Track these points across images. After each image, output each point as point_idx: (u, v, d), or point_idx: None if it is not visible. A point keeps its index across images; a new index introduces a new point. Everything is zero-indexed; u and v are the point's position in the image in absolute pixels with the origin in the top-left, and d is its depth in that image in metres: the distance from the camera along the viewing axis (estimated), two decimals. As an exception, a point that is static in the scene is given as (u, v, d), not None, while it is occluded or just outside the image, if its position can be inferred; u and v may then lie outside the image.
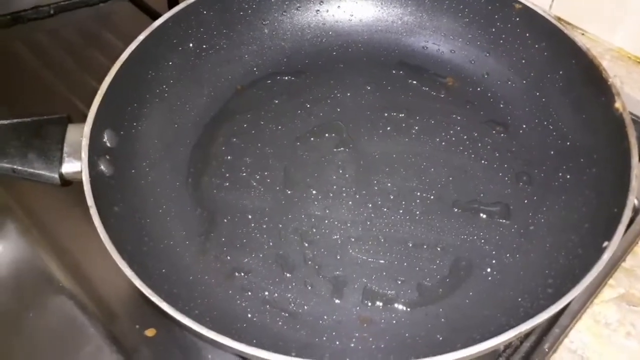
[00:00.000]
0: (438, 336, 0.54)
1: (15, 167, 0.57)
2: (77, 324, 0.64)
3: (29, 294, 0.66)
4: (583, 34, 0.97)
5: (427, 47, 0.79)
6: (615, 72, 0.92)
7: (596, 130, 0.62)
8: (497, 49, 0.75)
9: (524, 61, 0.72)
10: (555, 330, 0.62)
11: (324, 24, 0.81)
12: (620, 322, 0.65)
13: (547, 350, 0.61)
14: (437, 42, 0.79)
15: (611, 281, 0.68)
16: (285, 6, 0.80)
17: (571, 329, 0.64)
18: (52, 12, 1.00)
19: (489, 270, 0.60)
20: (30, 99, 0.86)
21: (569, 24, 0.98)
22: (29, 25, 0.99)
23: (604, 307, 0.66)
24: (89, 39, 0.97)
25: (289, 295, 0.59)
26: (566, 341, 0.64)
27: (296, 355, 0.46)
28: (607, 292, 0.68)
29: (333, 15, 0.82)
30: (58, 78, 0.90)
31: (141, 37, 0.67)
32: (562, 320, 0.63)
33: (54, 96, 0.87)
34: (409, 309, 0.58)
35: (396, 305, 0.58)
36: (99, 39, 0.98)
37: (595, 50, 0.95)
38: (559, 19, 0.98)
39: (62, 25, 0.99)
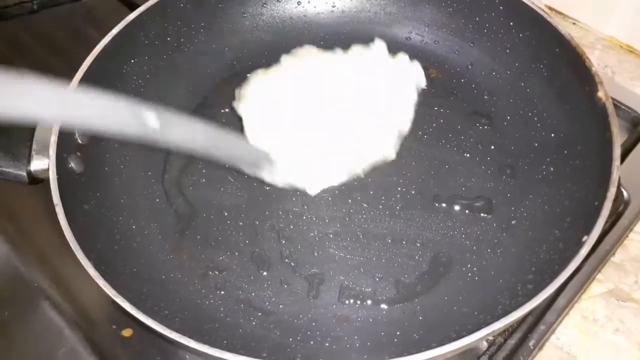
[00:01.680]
0: (414, 335, 0.53)
1: (-19, 165, 0.56)
2: (54, 325, 0.63)
3: (5, 294, 0.66)
4: (574, 23, 0.95)
5: (410, 38, 0.78)
6: (606, 61, 0.90)
7: (580, 121, 0.60)
8: (481, 39, 0.73)
9: (508, 51, 0.71)
10: (541, 327, 0.61)
11: (305, 15, 0.80)
12: (608, 317, 0.64)
13: (532, 347, 0.60)
14: (421, 32, 0.77)
15: (600, 276, 0.66)
16: (265, -2, 0.79)
17: (558, 325, 0.62)
18: (35, 7, 0.99)
19: (469, 266, 0.59)
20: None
21: (560, 13, 0.96)
22: (11, 21, 0.97)
23: (592, 302, 0.65)
24: (73, 34, 0.96)
25: (264, 294, 0.58)
26: (553, 338, 0.62)
27: (267, 357, 0.45)
28: (596, 287, 0.66)
29: (314, 7, 0.80)
30: (40, 73, 0.88)
31: (114, 31, 0.66)
32: (548, 316, 0.61)
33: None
34: (386, 307, 0.57)
35: (373, 303, 0.57)
36: (82, 34, 0.96)
37: (586, 39, 0.93)
38: (550, 9, 0.97)
39: (46, 21, 0.98)
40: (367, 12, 0.79)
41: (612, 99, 0.76)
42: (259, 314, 0.56)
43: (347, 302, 0.57)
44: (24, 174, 0.57)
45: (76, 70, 0.62)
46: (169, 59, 0.74)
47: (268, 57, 0.78)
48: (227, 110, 0.73)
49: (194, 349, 0.44)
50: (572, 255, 0.47)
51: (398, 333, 0.54)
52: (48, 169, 0.56)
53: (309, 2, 0.80)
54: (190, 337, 0.45)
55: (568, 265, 0.46)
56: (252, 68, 0.77)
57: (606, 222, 0.65)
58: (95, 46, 0.65)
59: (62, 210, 0.52)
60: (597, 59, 0.90)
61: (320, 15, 0.80)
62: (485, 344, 0.60)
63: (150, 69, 0.71)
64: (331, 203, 0.64)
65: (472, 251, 0.60)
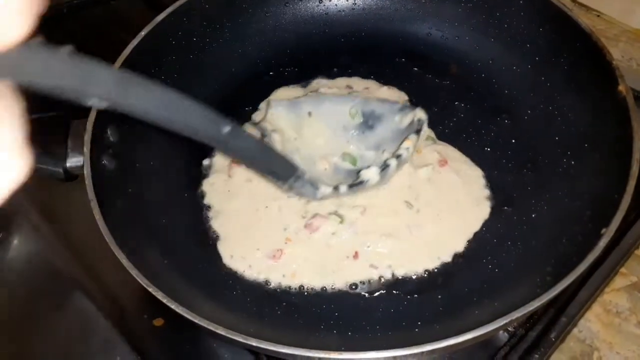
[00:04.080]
0: (435, 325, 0.54)
1: (20, 162, 0.59)
2: (88, 314, 0.66)
3: (42, 285, 0.69)
4: (598, 16, 0.94)
5: (431, 34, 0.78)
6: (631, 54, 0.89)
7: (600, 114, 0.60)
8: (501, 34, 0.73)
9: (529, 46, 0.71)
10: (563, 319, 0.61)
11: (326, 13, 0.81)
12: (631, 310, 0.64)
13: (554, 339, 0.60)
14: (441, 28, 0.78)
15: (623, 269, 0.66)
16: (287, -3, 0.80)
17: (580, 317, 0.63)
18: (65, 10, 1.02)
19: (489, 258, 0.60)
20: (42, 95, 0.88)
21: (584, 5, 0.96)
22: (42, 23, 1.00)
23: (615, 295, 0.65)
24: (101, 36, 0.99)
25: (289, 285, 0.60)
26: (575, 330, 0.63)
27: (291, 345, 0.46)
28: (619, 280, 0.66)
29: (336, 5, 0.81)
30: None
31: (143, 32, 0.69)
32: (570, 309, 0.61)
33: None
34: (408, 298, 0.58)
35: (396, 294, 0.58)
36: (110, 36, 0.99)
37: (611, 32, 0.93)
38: (574, 1, 0.96)
39: (75, 23, 1.01)
40: (388, 9, 0.80)
41: (637, 91, 0.76)
42: (284, 304, 0.58)
43: (369, 293, 0.59)
44: (60, 170, 0.60)
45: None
46: (195, 59, 0.76)
47: (290, 55, 0.80)
48: (250, 108, 0.75)
49: (222, 335, 0.46)
50: (591, 248, 0.48)
51: (419, 323, 0.55)
52: (83, 166, 0.58)
53: (330, 0, 0.81)
54: (219, 324, 0.47)
55: (586, 257, 0.47)
56: (275, 66, 0.79)
57: (630, 215, 0.66)
58: (124, 48, 0.67)
59: (97, 205, 0.54)
60: (621, 52, 0.89)
61: (341, 12, 0.81)
62: (506, 336, 0.61)
63: (177, 68, 0.74)
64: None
65: (493, 244, 0.61)
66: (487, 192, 0.64)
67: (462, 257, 0.61)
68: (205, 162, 0.69)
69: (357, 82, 0.74)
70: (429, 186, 0.63)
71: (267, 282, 0.60)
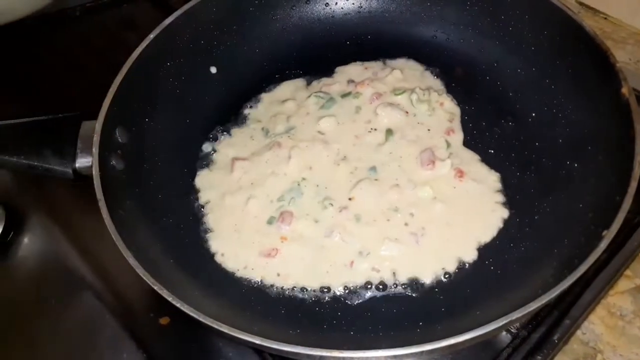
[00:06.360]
0: (437, 326, 0.54)
1: (31, 163, 0.60)
2: (96, 312, 0.67)
3: (51, 284, 0.70)
4: (605, 18, 0.94)
5: (436, 37, 0.79)
6: (638, 56, 0.89)
7: (604, 117, 0.61)
8: (506, 37, 0.73)
9: (533, 48, 0.71)
10: (566, 321, 0.61)
11: (332, 16, 0.82)
12: (635, 313, 0.64)
13: (557, 341, 0.60)
14: (446, 31, 0.78)
15: (627, 272, 0.66)
16: (294, 0, 0.81)
17: (584, 320, 0.63)
18: (77, 13, 1.04)
19: (491, 260, 0.60)
20: (53, 97, 0.89)
21: (591, 8, 0.96)
22: (55, 26, 1.02)
23: (619, 298, 0.65)
24: (111, 39, 1.00)
25: (293, 285, 0.60)
26: (578, 332, 0.62)
27: (295, 344, 0.47)
28: (623, 283, 0.66)
29: (342, 8, 0.82)
30: (82, 77, 0.93)
31: (151, 35, 0.70)
32: (574, 311, 0.61)
33: (77, 94, 0.90)
34: (410, 299, 0.58)
35: (397, 294, 0.59)
36: (120, 38, 1.00)
37: (618, 34, 0.92)
38: (581, 4, 0.96)
39: (87, 26, 1.03)
40: (393, 12, 0.81)
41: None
42: (288, 304, 0.59)
43: (371, 293, 0.59)
44: (70, 171, 0.61)
45: (115, 73, 0.66)
46: (203, 62, 0.77)
47: (297, 57, 0.81)
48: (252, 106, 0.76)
49: (226, 333, 0.47)
50: (592, 250, 0.48)
51: (421, 324, 0.55)
52: (92, 167, 0.59)
53: (336, 4, 0.82)
54: (223, 322, 0.48)
55: (587, 259, 0.47)
56: (281, 69, 0.80)
57: (634, 217, 0.66)
58: (133, 50, 0.68)
59: (105, 205, 0.55)
60: (629, 54, 0.89)
61: (347, 16, 0.82)
62: (509, 337, 0.61)
63: (185, 71, 0.75)
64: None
65: (495, 246, 0.61)
66: (501, 198, 0.64)
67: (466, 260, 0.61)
68: (206, 147, 0.71)
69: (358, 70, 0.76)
70: (440, 200, 0.64)
71: (262, 281, 0.61)
